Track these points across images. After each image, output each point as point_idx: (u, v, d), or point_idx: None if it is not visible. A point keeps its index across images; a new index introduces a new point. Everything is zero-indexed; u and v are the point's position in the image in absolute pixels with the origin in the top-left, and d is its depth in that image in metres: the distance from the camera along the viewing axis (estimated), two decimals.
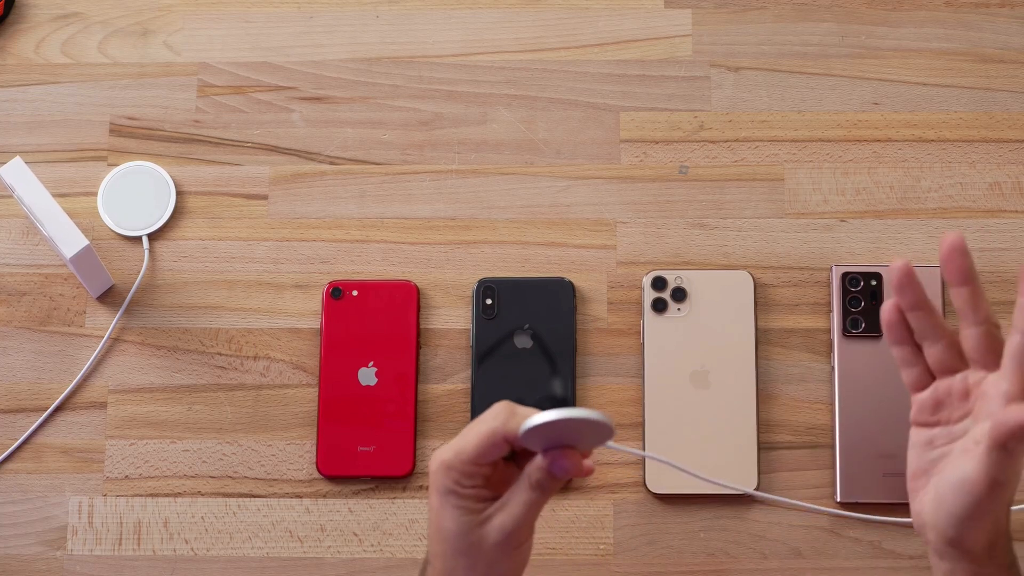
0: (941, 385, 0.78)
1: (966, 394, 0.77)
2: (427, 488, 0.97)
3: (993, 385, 0.75)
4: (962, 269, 0.75)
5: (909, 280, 0.77)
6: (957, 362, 0.78)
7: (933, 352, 0.78)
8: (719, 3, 1.05)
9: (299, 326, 1.00)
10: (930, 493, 0.77)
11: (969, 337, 0.76)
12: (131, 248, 1.02)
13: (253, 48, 1.05)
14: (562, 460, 0.74)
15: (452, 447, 0.76)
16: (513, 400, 0.78)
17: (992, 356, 0.76)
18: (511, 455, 0.79)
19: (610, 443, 0.76)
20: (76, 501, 0.97)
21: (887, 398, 0.96)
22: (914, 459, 0.79)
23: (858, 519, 0.95)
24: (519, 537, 0.76)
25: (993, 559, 0.76)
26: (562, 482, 0.76)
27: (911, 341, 0.79)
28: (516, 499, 0.76)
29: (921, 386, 0.79)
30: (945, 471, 0.76)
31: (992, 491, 0.73)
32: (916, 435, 0.79)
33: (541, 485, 0.75)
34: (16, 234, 1.02)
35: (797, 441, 0.97)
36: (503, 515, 0.76)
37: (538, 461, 0.75)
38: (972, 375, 0.77)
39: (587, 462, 0.78)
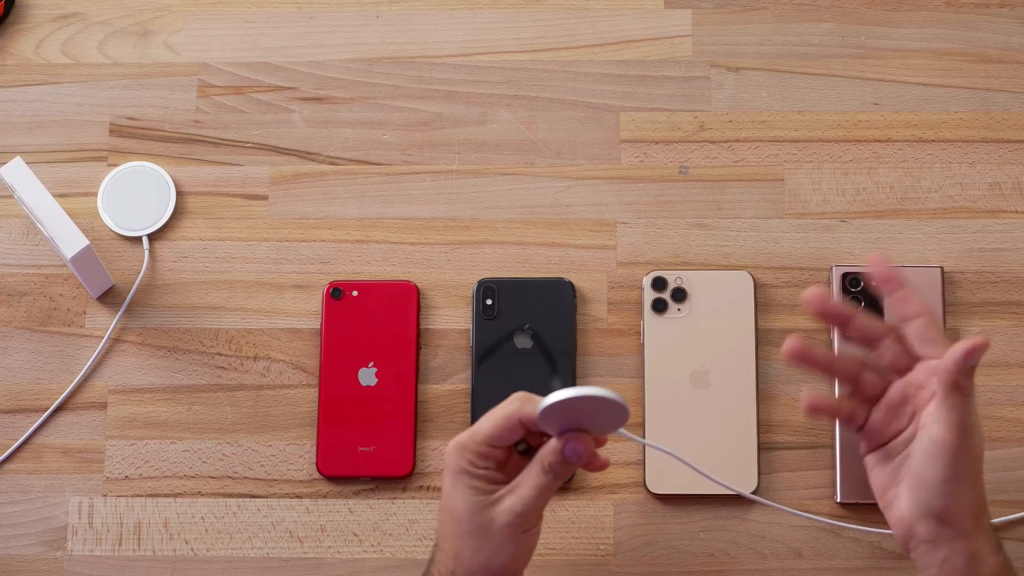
0: (880, 407, 0.81)
1: (905, 399, 0.80)
2: (427, 488, 0.97)
3: (923, 371, 0.79)
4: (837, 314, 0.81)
5: (822, 304, 0.80)
6: (908, 358, 0.81)
7: (886, 351, 0.81)
8: (719, 3, 1.05)
9: (299, 326, 1.00)
10: (904, 488, 0.79)
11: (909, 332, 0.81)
12: (131, 248, 1.02)
13: (253, 48, 1.05)
14: (576, 443, 0.76)
15: (468, 429, 0.79)
16: None
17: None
18: (527, 449, 0.80)
19: (622, 430, 0.77)
20: (76, 501, 0.97)
21: None
22: (878, 478, 0.81)
23: (857, 523, 0.95)
24: (528, 521, 0.78)
25: (980, 531, 0.78)
26: (574, 468, 0.78)
27: (829, 368, 0.83)
28: (527, 483, 0.77)
29: (860, 422, 0.82)
30: (913, 455, 0.78)
31: (962, 439, 0.76)
32: (872, 460, 0.82)
33: (553, 469, 0.77)
34: (16, 234, 1.02)
35: (797, 441, 0.97)
36: (513, 497, 0.77)
37: (552, 444, 0.77)
38: (900, 382, 0.80)
39: (601, 455, 0.79)
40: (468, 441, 0.78)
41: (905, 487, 0.79)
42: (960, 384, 0.75)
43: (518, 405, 0.77)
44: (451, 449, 0.78)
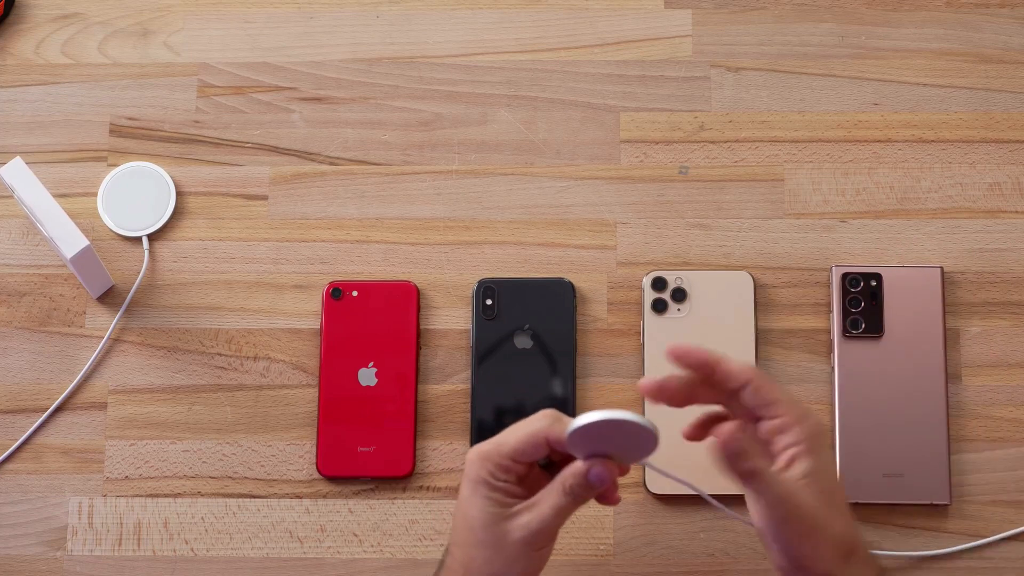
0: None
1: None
2: (427, 488, 0.97)
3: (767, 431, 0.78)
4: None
5: (659, 390, 0.79)
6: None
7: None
8: (719, 3, 1.05)
9: (299, 326, 1.00)
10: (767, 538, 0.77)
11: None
12: (131, 248, 1.02)
13: (253, 48, 1.05)
14: (601, 468, 0.75)
15: (492, 440, 0.78)
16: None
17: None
18: (549, 463, 0.79)
19: (648, 461, 0.76)
20: (76, 501, 0.97)
21: (887, 398, 0.96)
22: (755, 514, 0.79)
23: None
24: (542, 539, 0.77)
25: (853, 564, 0.77)
26: (594, 493, 0.77)
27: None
28: (546, 501, 0.77)
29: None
30: (762, 513, 0.77)
31: (817, 500, 0.76)
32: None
33: (574, 491, 0.76)
34: (16, 234, 1.02)
35: None
36: (530, 514, 0.77)
37: (575, 467, 0.76)
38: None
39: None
40: (492, 452, 0.77)
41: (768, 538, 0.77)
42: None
43: (547, 423, 0.76)
44: (473, 458, 0.77)
